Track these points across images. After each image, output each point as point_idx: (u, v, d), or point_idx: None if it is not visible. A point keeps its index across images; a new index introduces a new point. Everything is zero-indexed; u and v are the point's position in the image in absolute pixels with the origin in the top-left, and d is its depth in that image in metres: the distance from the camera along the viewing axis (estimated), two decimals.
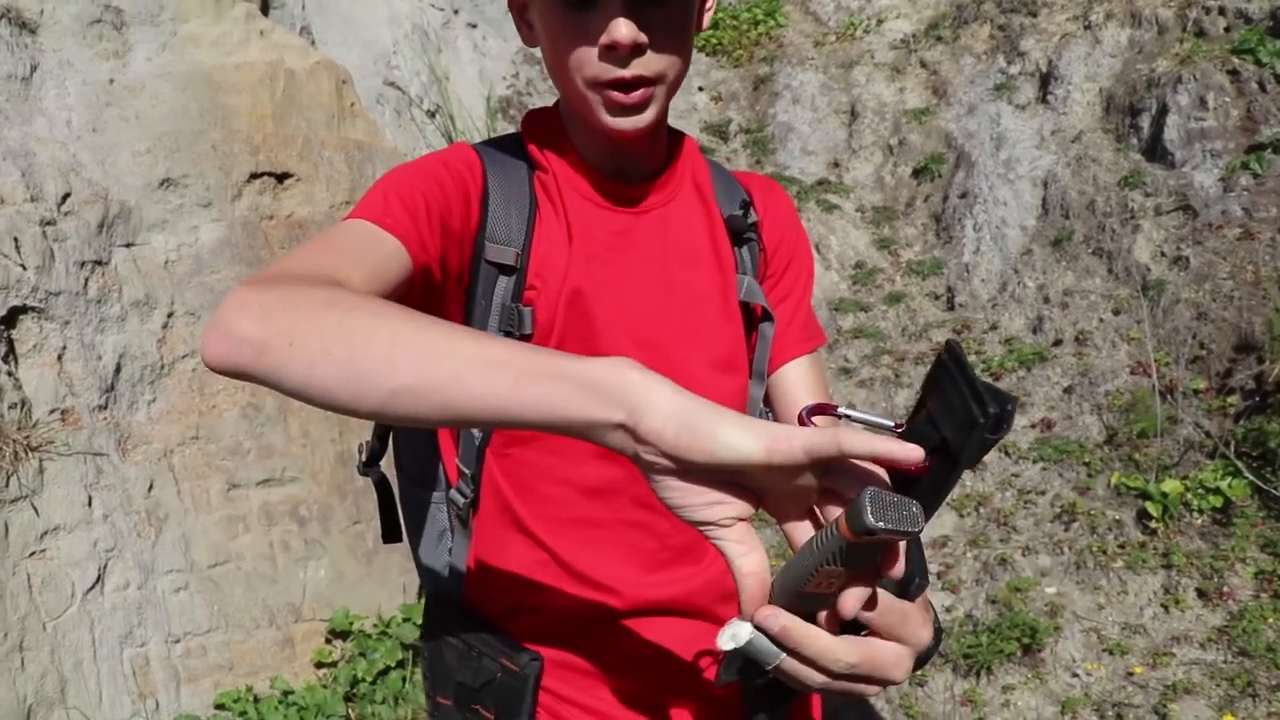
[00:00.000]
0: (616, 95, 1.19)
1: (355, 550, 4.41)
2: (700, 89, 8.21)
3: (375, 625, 4.35)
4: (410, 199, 1.16)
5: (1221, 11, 6.55)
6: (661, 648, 1.35)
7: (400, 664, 4.27)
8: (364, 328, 0.84)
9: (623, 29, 1.14)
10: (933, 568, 4.45)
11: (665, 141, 1.37)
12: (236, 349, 0.89)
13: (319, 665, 4.19)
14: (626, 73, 1.17)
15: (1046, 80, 7.10)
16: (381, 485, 1.47)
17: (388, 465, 1.49)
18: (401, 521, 1.50)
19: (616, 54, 1.16)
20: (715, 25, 8.60)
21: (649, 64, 1.19)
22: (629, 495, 1.32)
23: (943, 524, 4.69)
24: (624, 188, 1.33)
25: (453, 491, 1.36)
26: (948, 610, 4.22)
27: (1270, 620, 3.75)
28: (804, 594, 0.82)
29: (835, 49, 8.25)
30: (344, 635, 4.27)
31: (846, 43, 8.32)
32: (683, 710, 1.36)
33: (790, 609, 0.82)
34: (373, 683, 4.20)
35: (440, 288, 1.21)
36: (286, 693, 3.98)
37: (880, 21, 8.40)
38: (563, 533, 1.32)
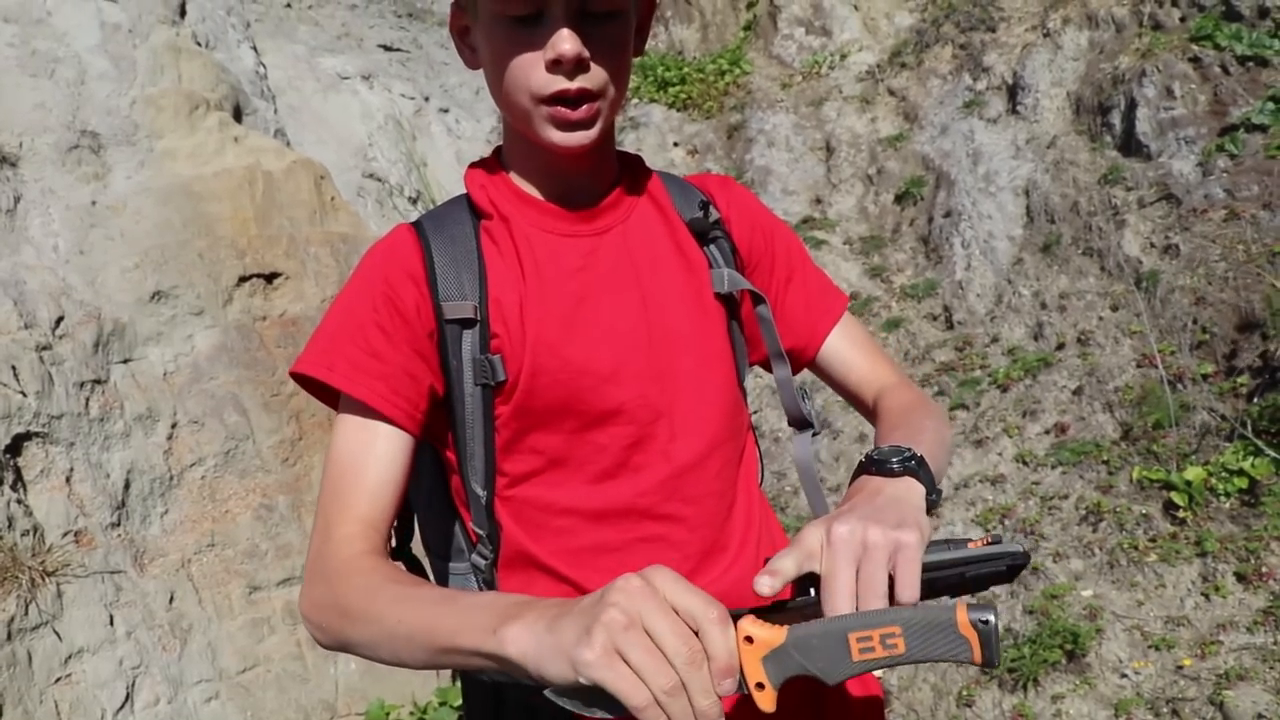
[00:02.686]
0: (563, 111, 1.22)
1: None
2: (675, 144, 8.28)
3: (412, 713, 4.29)
4: (373, 345, 1.26)
5: (1175, 3, 6.62)
6: None
7: None
8: (370, 635, 1.12)
9: (567, 43, 1.18)
10: None
11: (614, 162, 1.40)
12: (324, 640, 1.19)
13: None
14: (572, 85, 1.20)
15: (1014, 91, 7.16)
16: (414, 568, 1.44)
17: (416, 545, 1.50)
18: None
19: (562, 67, 1.20)
20: (682, 80, 8.70)
21: (592, 78, 1.22)
22: (638, 512, 1.31)
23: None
24: (578, 213, 1.35)
25: (474, 556, 1.35)
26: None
27: None
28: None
29: (803, 88, 8.34)
30: None
31: (813, 81, 8.41)
32: None
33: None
34: None
35: (436, 389, 1.31)
36: None
37: (844, 56, 8.50)
38: (582, 562, 1.31)
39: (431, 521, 1.42)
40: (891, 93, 7.96)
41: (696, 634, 0.86)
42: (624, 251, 1.36)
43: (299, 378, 1.29)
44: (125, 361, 4.04)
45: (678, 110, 8.52)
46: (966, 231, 6.49)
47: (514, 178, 1.36)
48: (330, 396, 1.30)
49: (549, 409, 1.28)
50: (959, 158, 6.96)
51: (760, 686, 0.88)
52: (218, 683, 3.84)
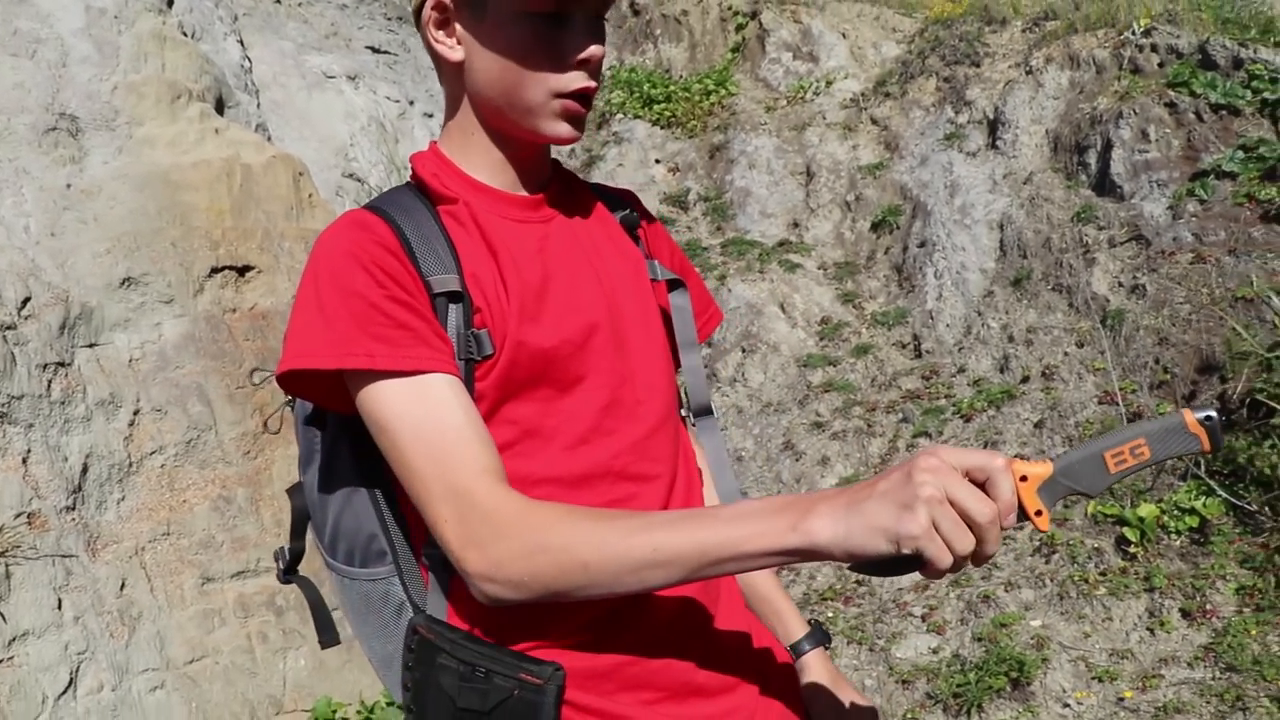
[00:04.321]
0: (576, 106, 1.33)
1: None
2: (657, 161, 8.33)
3: (359, 712, 4.29)
4: (397, 317, 1.24)
5: (1154, 49, 6.72)
6: (681, 635, 1.36)
7: None
8: (611, 570, 1.16)
9: (598, 45, 1.31)
10: (916, 610, 4.43)
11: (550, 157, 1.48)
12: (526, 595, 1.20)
13: None
14: (592, 84, 1.33)
15: (994, 126, 7.24)
16: (308, 590, 1.45)
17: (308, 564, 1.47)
18: (349, 619, 1.45)
19: (589, 66, 1.32)
20: (668, 98, 8.75)
21: (597, 77, 1.35)
22: (614, 473, 1.33)
23: None
24: (528, 200, 1.41)
25: (425, 546, 1.33)
26: (934, 651, 4.19)
27: (1254, 634, 3.74)
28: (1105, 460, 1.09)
29: (787, 113, 8.40)
30: None
31: (797, 106, 8.48)
32: (708, 703, 1.36)
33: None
34: None
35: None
36: None
37: (829, 83, 8.57)
38: None
39: (346, 533, 1.39)
40: (874, 121, 8.03)
41: (985, 483, 1.04)
42: (571, 237, 1.42)
43: (312, 374, 1.26)
44: (91, 346, 4.04)
45: (661, 128, 8.57)
46: (940, 262, 6.55)
47: (462, 168, 1.40)
48: (322, 391, 1.29)
49: (528, 379, 1.30)
50: (937, 189, 7.02)
51: (1039, 514, 1.07)
52: (164, 672, 3.83)
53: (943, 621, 4.31)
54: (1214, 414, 1.09)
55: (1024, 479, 1.07)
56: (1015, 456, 1.12)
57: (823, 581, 4.79)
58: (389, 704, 4.25)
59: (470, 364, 1.28)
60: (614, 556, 1.14)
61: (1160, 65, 6.64)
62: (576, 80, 1.31)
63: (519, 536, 1.17)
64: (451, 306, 1.28)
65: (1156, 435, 1.08)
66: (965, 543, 1.01)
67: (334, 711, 4.17)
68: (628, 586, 1.16)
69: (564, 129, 1.34)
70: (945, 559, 1.01)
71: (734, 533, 1.11)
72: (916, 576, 4.59)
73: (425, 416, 1.22)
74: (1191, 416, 1.08)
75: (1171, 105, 6.25)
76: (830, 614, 4.56)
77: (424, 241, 1.30)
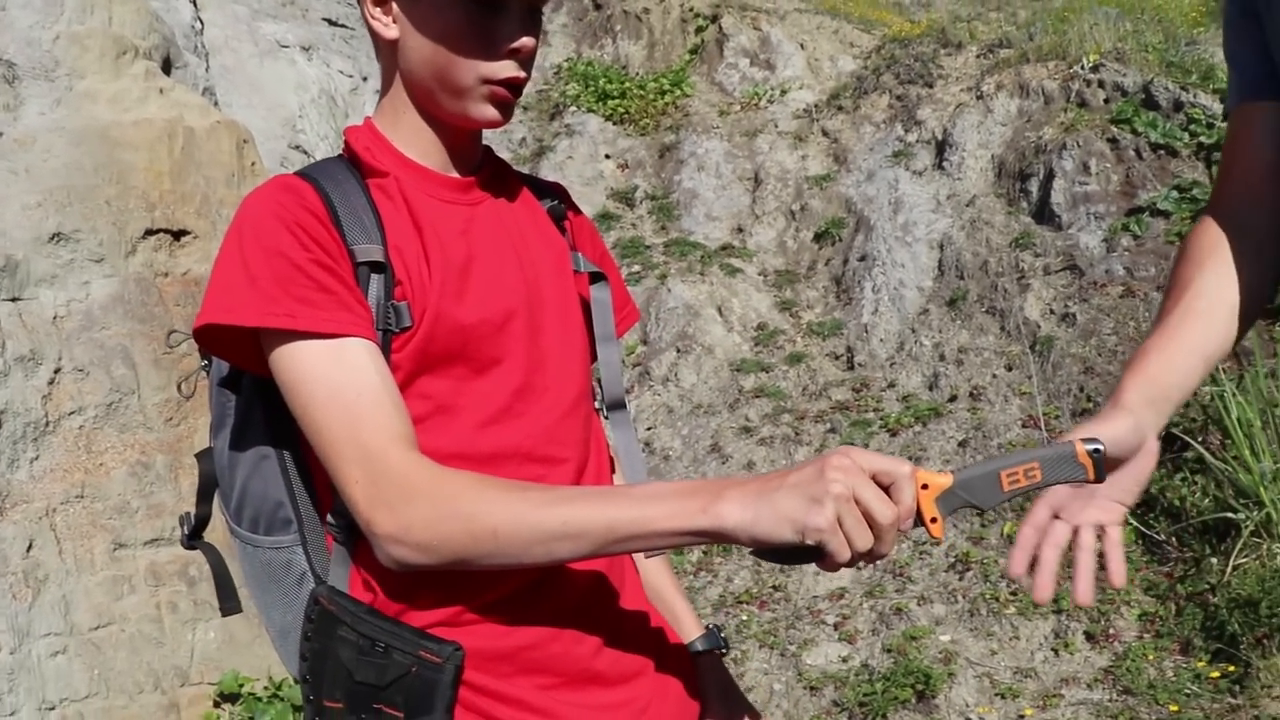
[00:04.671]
0: (503, 92, 1.35)
1: (247, 610, 4.31)
2: (607, 156, 8.33)
3: (266, 688, 4.24)
4: (320, 280, 1.24)
5: (1101, 84, 6.86)
6: (583, 624, 1.37)
7: None
8: (520, 540, 1.19)
9: (531, 37, 1.33)
10: (829, 618, 4.48)
11: (482, 142, 1.50)
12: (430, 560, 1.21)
13: None
14: (522, 74, 1.35)
15: (942, 147, 7.34)
16: (211, 555, 1.45)
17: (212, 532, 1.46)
18: (250, 588, 1.44)
19: (520, 56, 1.34)
20: (623, 95, 8.76)
21: (528, 68, 1.37)
22: (522, 454, 1.34)
23: (840, 575, 4.73)
24: (458, 182, 1.42)
25: (330, 516, 1.33)
26: (844, 660, 4.25)
27: (1151, 658, 3.84)
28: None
29: (740, 118, 8.45)
30: (233, 699, 4.16)
31: (751, 112, 8.53)
32: (605, 692, 1.37)
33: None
34: None
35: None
36: None
37: (784, 92, 8.63)
38: None
39: (253, 497, 1.38)
40: (825, 133, 8.11)
41: (890, 487, 1.09)
42: (496, 222, 1.43)
43: (226, 330, 1.25)
44: (14, 300, 3.95)
45: (614, 123, 8.58)
46: (879, 277, 6.63)
47: (395, 145, 1.41)
48: (239, 350, 1.29)
49: (444, 355, 1.31)
50: (881, 204, 7.10)
51: (934, 520, 1.13)
52: (67, 637, 3.76)
53: (854, 631, 4.37)
54: (1101, 447, 1.17)
55: (925, 487, 1.13)
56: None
57: (739, 584, 4.83)
58: (296, 682, 4.21)
59: (388, 335, 1.29)
60: (525, 526, 1.16)
61: (1106, 101, 6.77)
62: (506, 69, 1.33)
63: (431, 500, 1.18)
64: (373, 276, 1.29)
65: (1049, 461, 1.15)
66: (864, 541, 1.07)
67: (241, 685, 4.12)
68: (535, 558, 1.18)
69: (490, 113, 1.36)
70: (844, 554, 1.06)
71: (645, 511, 1.15)
72: (832, 584, 4.65)
73: (342, 378, 1.23)
74: (1081, 447, 1.16)
75: (1113, 141, 6.38)
76: (744, 617, 4.60)
77: (350, 211, 1.31)
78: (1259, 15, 1.42)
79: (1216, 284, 1.42)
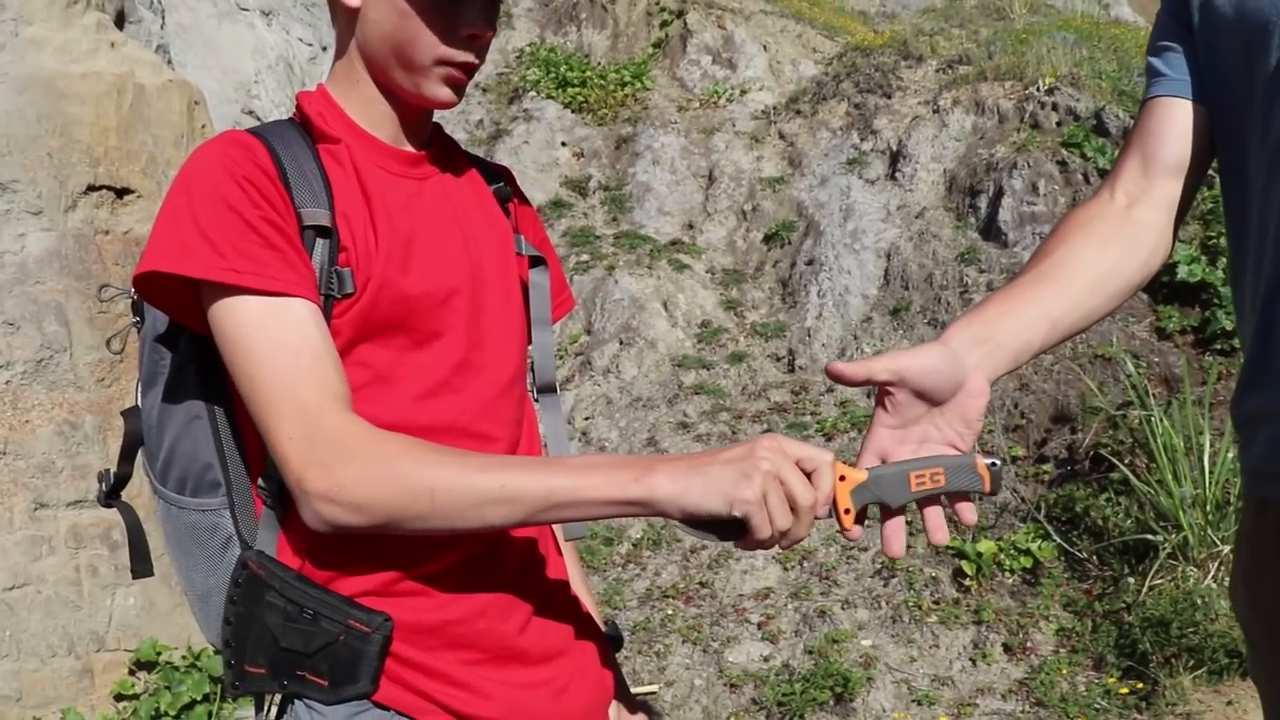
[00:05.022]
0: (458, 74, 1.37)
1: (169, 578, 4.26)
2: (563, 144, 8.31)
3: (184, 657, 4.20)
4: (268, 237, 1.24)
5: (1055, 108, 6.96)
6: (509, 602, 1.38)
7: (207, 698, 4.12)
8: (454, 502, 1.20)
9: (489, 26, 1.36)
10: (754, 617, 4.52)
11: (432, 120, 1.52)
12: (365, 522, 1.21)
13: (119, 698, 4.01)
14: (477, 61, 1.38)
15: (896, 158, 7.41)
16: (127, 515, 1.44)
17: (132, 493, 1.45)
18: (170, 550, 1.43)
19: (476, 43, 1.36)
20: (583, 83, 8.74)
21: (483, 56, 1.39)
22: (458, 429, 1.35)
23: (766, 576, 4.77)
24: (408, 155, 1.43)
25: (261, 480, 1.32)
26: (765, 659, 4.28)
27: (1065, 673, 3.92)
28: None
29: (698, 115, 8.46)
30: (150, 667, 4.11)
31: (709, 110, 8.55)
32: (527, 670, 1.39)
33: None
34: (176, 717, 4.04)
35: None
36: None
37: (743, 92, 8.66)
38: None
39: (180, 458, 1.37)
40: (781, 136, 8.14)
41: (811, 474, 1.15)
42: (443, 198, 1.44)
43: (168, 279, 1.24)
44: None
45: (573, 111, 8.56)
46: (825, 282, 6.68)
47: (348, 114, 1.41)
48: (176, 301, 1.28)
49: (385, 324, 1.32)
50: (832, 210, 7.16)
51: (847, 511, 1.19)
52: None
53: (778, 631, 4.41)
54: (998, 463, 1.24)
55: (842, 479, 1.19)
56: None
57: (667, 579, 4.85)
58: (217, 652, 4.16)
59: (329, 300, 1.29)
60: (461, 488, 1.18)
61: (1058, 124, 6.87)
62: (462, 55, 1.35)
63: (367, 459, 1.19)
64: (319, 240, 1.29)
65: (953, 468, 1.22)
66: (785, 520, 1.12)
67: (159, 654, 4.07)
68: (469, 522, 1.19)
69: (444, 93, 1.37)
70: (765, 530, 1.12)
71: (580, 479, 1.18)
72: (758, 584, 4.69)
73: (283, 336, 1.22)
74: (981, 461, 1.23)
75: (1063, 164, 6.48)
76: (670, 611, 4.62)
77: (300, 173, 1.31)
78: (1191, 26, 1.45)
79: (1081, 255, 1.44)
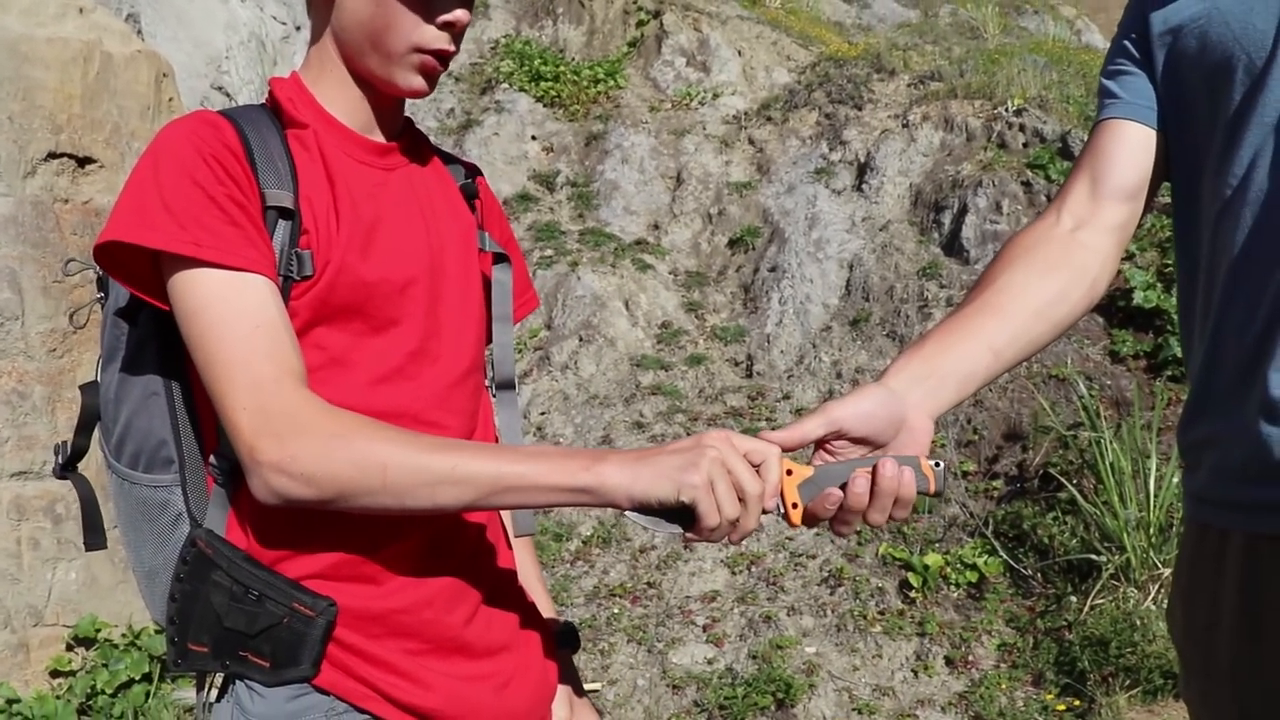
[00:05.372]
0: (433, 63, 1.38)
1: (114, 555, 4.21)
2: (533, 137, 8.29)
3: (124, 635, 4.15)
4: (231, 215, 1.25)
5: (1022, 129, 7.04)
6: (456, 595, 1.40)
7: (146, 677, 4.08)
8: (406, 480, 1.21)
9: (465, 13, 1.37)
10: (699, 620, 4.53)
11: (404, 112, 1.53)
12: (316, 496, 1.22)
13: (55, 674, 3.96)
14: (452, 47, 1.39)
15: (863, 170, 7.45)
16: (81, 487, 1.45)
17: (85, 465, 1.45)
18: (120, 525, 1.43)
19: (454, 31, 1.38)
20: (556, 78, 8.72)
21: (458, 43, 1.41)
22: (410, 415, 1.36)
23: (714, 579, 4.79)
24: (376, 145, 1.44)
25: (213, 457, 1.33)
26: (709, 662, 4.30)
27: (1005, 687, 3.96)
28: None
29: (669, 116, 8.47)
30: (88, 644, 4.06)
31: (681, 112, 8.56)
32: (470, 663, 1.40)
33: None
34: (113, 695, 3.99)
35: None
36: (11, 701, 3.74)
37: (716, 96, 8.68)
38: None
39: (135, 434, 1.37)
40: (751, 141, 8.17)
41: (759, 466, 1.18)
42: (409, 189, 1.46)
43: (129, 250, 1.24)
44: None
45: (545, 105, 8.54)
46: (786, 289, 6.71)
47: (319, 101, 1.42)
48: (136, 274, 1.28)
49: (343, 308, 1.33)
50: (798, 218, 7.19)
51: (795, 505, 1.22)
52: None
53: (723, 634, 4.42)
54: (942, 464, 1.28)
55: (790, 473, 1.22)
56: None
57: (615, 578, 4.86)
58: (158, 631, 4.12)
59: (288, 281, 1.30)
60: (413, 467, 1.19)
61: (1025, 145, 6.95)
62: (439, 40, 1.37)
63: (320, 433, 1.20)
64: (281, 222, 1.30)
65: None
66: (732, 508, 1.15)
67: (98, 631, 4.02)
68: (419, 501, 1.20)
69: (417, 82, 1.39)
70: (713, 517, 1.14)
71: (530, 465, 1.19)
72: (705, 586, 4.70)
73: (241, 309, 1.23)
74: (925, 462, 1.26)
75: (1027, 184, 6.55)
76: (616, 610, 4.62)
77: (266, 155, 1.32)
78: (1150, 54, 1.46)
79: (1024, 283, 1.43)
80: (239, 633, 1.28)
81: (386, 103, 1.44)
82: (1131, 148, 1.49)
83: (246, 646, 1.28)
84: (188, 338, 1.25)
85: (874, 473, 1.23)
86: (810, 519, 1.25)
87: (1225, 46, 1.35)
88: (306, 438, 1.20)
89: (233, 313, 1.23)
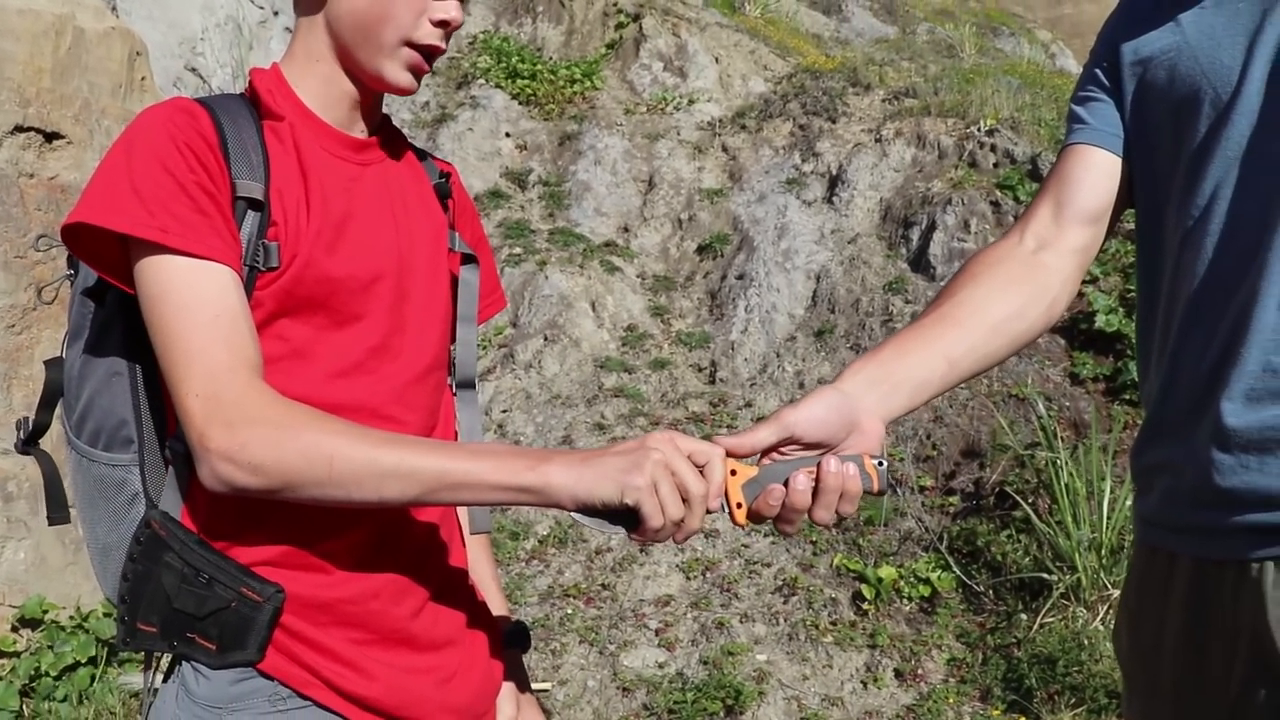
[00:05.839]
0: (420, 60, 1.40)
1: (64, 535, 4.17)
2: (507, 135, 8.28)
3: (72, 618, 4.10)
4: (200, 203, 1.27)
5: (993, 149, 7.10)
6: (405, 588, 1.41)
7: (92, 660, 4.03)
8: (352, 472, 1.22)
9: (459, 13, 1.40)
10: (652, 624, 4.54)
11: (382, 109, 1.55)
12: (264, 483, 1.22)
13: None
14: (443, 45, 1.42)
15: (835, 182, 7.50)
16: (44, 463, 1.46)
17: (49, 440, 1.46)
18: (77, 502, 1.45)
19: (446, 29, 1.40)
20: (533, 76, 8.72)
21: (447, 41, 1.43)
22: (368, 410, 1.37)
23: (668, 584, 4.80)
24: (353, 141, 1.46)
25: (171, 440, 1.34)
26: (660, 666, 4.30)
27: (952, 702, 3.99)
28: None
29: (644, 120, 8.48)
30: (34, 625, 4.01)
31: (656, 116, 8.57)
32: (415, 656, 1.41)
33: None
34: (57, 678, 3.94)
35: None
36: None
37: (691, 102, 8.70)
38: None
39: (96, 411, 1.39)
40: (724, 149, 8.20)
41: (703, 467, 1.19)
42: (382, 186, 1.47)
43: (96, 232, 1.26)
44: None
45: (520, 103, 8.53)
46: (753, 298, 6.74)
47: (299, 95, 1.43)
48: (102, 256, 1.29)
49: (307, 301, 1.34)
50: (767, 228, 7.22)
51: (739, 505, 1.24)
52: None
53: (675, 639, 4.43)
54: (885, 462, 1.29)
55: (733, 473, 1.23)
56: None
57: (569, 578, 4.85)
58: (106, 614, 4.08)
59: (254, 271, 1.32)
60: (360, 460, 1.20)
61: (995, 165, 7.01)
62: (431, 36, 1.39)
63: (270, 422, 1.21)
64: (250, 212, 1.32)
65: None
66: (676, 509, 1.16)
67: (45, 612, 3.97)
68: (365, 493, 1.21)
69: (405, 78, 1.41)
70: (657, 518, 1.15)
71: (476, 463, 1.21)
72: (659, 590, 4.71)
73: (202, 296, 1.25)
74: (869, 460, 1.27)
75: (996, 204, 6.61)
76: (570, 611, 4.62)
77: (240, 146, 1.34)
78: (1120, 83, 1.49)
79: (984, 298, 1.46)
80: (187, 614, 1.29)
81: (367, 99, 1.45)
82: (1096, 173, 1.52)
83: (194, 628, 1.29)
84: (149, 322, 1.26)
85: (818, 471, 1.24)
86: (756, 518, 1.26)
87: (1193, 80, 1.38)
88: (256, 427, 1.20)
89: (194, 300, 1.24)
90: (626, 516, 1.18)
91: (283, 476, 1.20)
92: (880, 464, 1.28)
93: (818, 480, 1.24)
